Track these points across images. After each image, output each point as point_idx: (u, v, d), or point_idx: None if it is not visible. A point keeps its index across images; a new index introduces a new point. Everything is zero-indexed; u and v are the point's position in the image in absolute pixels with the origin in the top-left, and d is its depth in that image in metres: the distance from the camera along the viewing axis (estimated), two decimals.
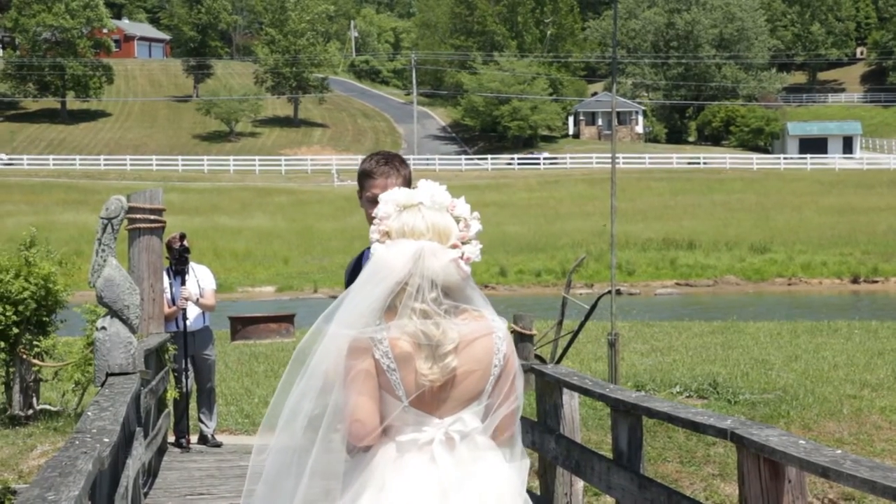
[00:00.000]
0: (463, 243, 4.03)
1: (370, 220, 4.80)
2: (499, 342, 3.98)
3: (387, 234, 4.04)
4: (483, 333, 3.96)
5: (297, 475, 3.95)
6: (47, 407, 14.06)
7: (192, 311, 13.62)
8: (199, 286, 13.65)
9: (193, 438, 13.82)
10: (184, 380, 13.41)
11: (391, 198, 4.10)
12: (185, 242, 13.52)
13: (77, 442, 5.47)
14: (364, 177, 5.11)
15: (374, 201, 4.79)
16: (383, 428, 3.93)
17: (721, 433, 6.14)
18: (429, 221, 4.02)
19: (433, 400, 3.91)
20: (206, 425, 13.84)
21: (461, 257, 3.99)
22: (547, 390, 9.33)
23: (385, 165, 5.04)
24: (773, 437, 5.76)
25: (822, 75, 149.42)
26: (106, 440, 5.55)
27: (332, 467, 3.96)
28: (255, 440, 4.13)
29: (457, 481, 3.88)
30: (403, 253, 3.95)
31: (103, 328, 9.42)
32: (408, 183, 4.91)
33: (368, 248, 5.03)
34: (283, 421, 3.97)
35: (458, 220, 4.07)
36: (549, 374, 9.20)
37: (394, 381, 3.88)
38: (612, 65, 16.63)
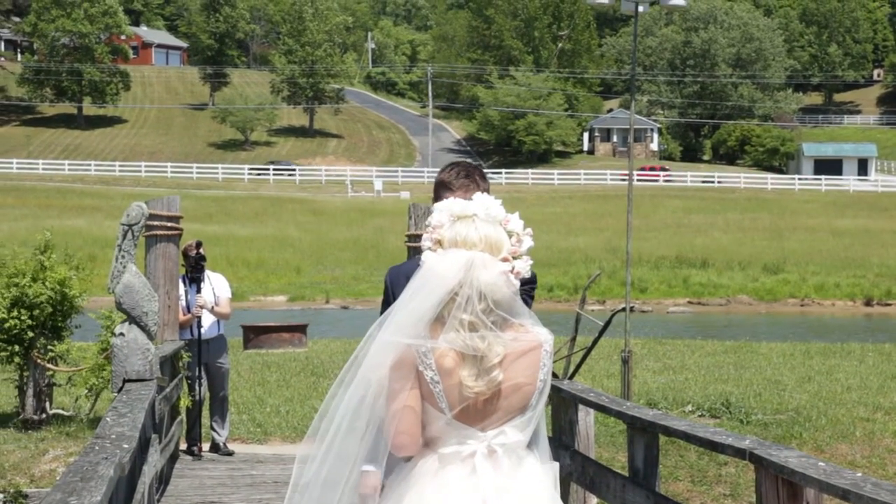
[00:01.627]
0: (514, 258, 4.03)
1: None
2: (545, 357, 3.98)
3: (439, 243, 4.03)
4: (530, 348, 3.95)
5: (343, 485, 3.96)
6: (60, 411, 14.07)
7: (207, 319, 13.62)
8: (214, 294, 13.65)
9: (205, 446, 13.82)
10: (197, 387, 13.41)
11: (446, 207, 4.10)
12: (202, 250, 13.52)
13: (97, 447, 5.48)
14: (442, 187, 4.90)
15: None
16: (427, 441, 3.93)
17: (740, 453, 6.13)
18: (481, 233, 4.01)
19: (477, 413, 3.91)
20: (218, 433, 13.83)
21: (511, 271, 3.98)
22: (562, 406, 9.32)
23: (465, 178, 4.86)
24: (792, 458, 5.74)
25: (838, 97, 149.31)
26: (126, 446, 5.55)
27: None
28: (298, 448, 4.13)
29: (496, 492, 3.87)
30: (454, 262, 3.94)
31: (121, 334, 9.43)
32: None
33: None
34: (329, 430, 3.97)
35: (510, 235, 4.06)
36: (564, 391, 9.18)
37: (437, 393, 3.87)
38: (631, 81, 16.64)
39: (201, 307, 13.41)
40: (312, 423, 4.05)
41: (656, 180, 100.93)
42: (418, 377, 3.89)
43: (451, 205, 4.11)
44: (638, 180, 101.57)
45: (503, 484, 3.90)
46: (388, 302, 4.92)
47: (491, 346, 3.89)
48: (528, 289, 4.34)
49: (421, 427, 3.92)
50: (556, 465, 4.11)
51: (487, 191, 4.77)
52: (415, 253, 5.09)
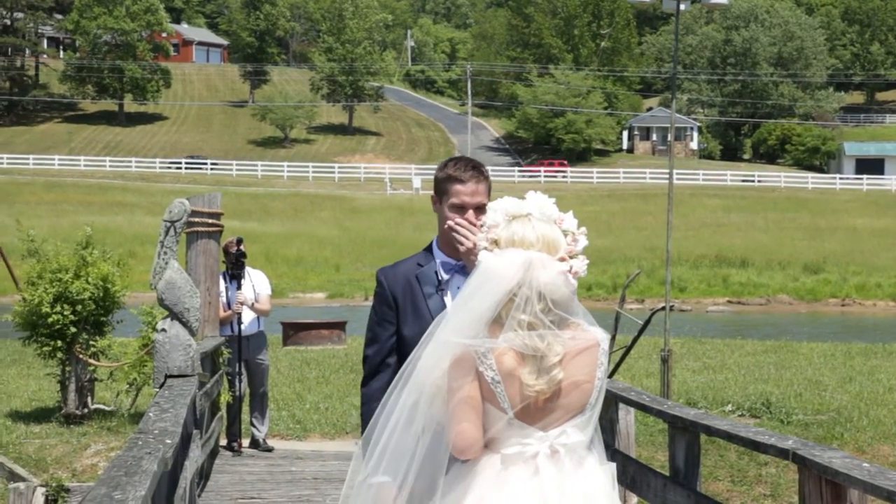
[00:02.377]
0: (570, 257, 4.01)
1: (449, 227, 4.56)
2: (602, 356, 3.97)
3: (495, 243, 4.01)
4: (588, 346, 3.95)
5: (400, 486, 3.96)
6: (101, 406, 14.16)
7: (247, 316, 13.67)
8: (254, 291, 13.70)
9: (245, 442, 13.87)
10: (237, 384, 13.47)
11: (500, 206, 4.08)
12: (242, 247, 13.57)
13: (140, 442, 5.51)
14: (448, 181, 4.64)
15: (460, 208, 4.57)
16: (487, 440, 3.91)
17: (783, 453, 6.09)
18: (539, 232, 3.99)
19: (538, 412, 3.90)
20: (258, 429, 13.87)
21: (569, 271, 3.97)
22: (603, 405, 9.29)
23: (473, 170, 4.63)
24: (836, 459, 5.70)
25: (880, 96, 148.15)
26: (168, 441, 5.58)
27: (433, 479, 3.96)
28: (355, 446, 4.14)
29: (559, 494, 3.86)
30: (513, 262, 3.92)
31: (163, 330, 9.48)
32: (489, 191, 4.68)
33: (421, 254, 4.76)
34: (384, 432, 3.97)
35: (565, 234, 4.05)
36: (606, 389, 9.16)
37: (499, 393, 3.85)
38: (672, 79, 16.58)
39: (241, 304, 13.46)
40: (370, 422, 4.05)
41: (537, 176, 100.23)
42: (478, 377, 3.87)
43: (505, 204, 4.10)
44: (524, 176, 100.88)
45: (565, 485, 3.89)
46: (387, 303, 4.72)
47: (550, 345, 3.88)
48: None
49: (482, 429, 3.90)
50: (613, 465, 4.09)
51: (490, 186, 4.69)
52: None
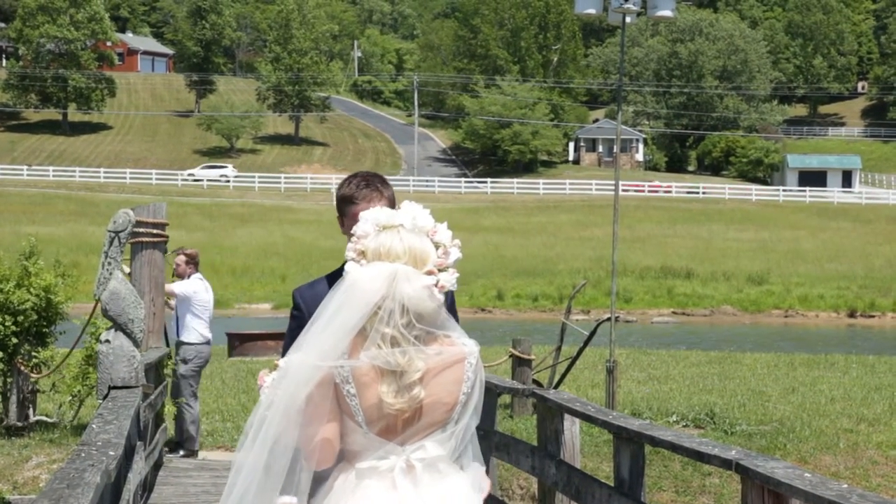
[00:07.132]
0: (440, 270, 3.96)
1: None
2: (469, 370, 3.90)
3: (362, 254, 3.96)
4: (453, 362, 3.89)
5: (270, 498, 3.91)
6: (43, 418, 14.03)
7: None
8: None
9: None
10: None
11: (372, 217, 4.01)
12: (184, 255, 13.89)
13: (83, 454, 5.46)
14: (344, 202, 4.63)
15: None
16: (345, 454, 3.88)
17: (726, 464, 6.13)
18: (406, 244, 3.93)
19: (397, 428, 3.85)
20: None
21: (436, 285, 3.92)
22: (548, 416, 9.31)
23: (366, 188, 4.59)
24: (778, 469, 5.74)
25: (822, 109, 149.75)
26: (112, 453, 5.54)
27: (298, 490, 3.92)
28: (234, 456, 4.09)
29: None
30: (377, 276, 3.86)
31: (107, 341, 9.42)
32: (392, 204, 4.56)
33: (336, 273, 4.58)
34: (256, 444, 3.89)
35: (437, 247, 3.98)
36: (550, 400, 9.18)
37: (353, 406, 3.81)
38: (618, 92, 16.66)
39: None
40: (241, 437, 4.00)
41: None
42: (336, 390, 3.85)
43: (377, 214, 4.02)
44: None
45: (423, 499, 3.85)
46: (303, 327, 4.55)
47: (411, 361, 3.82)
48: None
49: (339, 438, 3.88)
50: (482, 467, 4.04)
51: (392, 197, 4.61)
52: None
